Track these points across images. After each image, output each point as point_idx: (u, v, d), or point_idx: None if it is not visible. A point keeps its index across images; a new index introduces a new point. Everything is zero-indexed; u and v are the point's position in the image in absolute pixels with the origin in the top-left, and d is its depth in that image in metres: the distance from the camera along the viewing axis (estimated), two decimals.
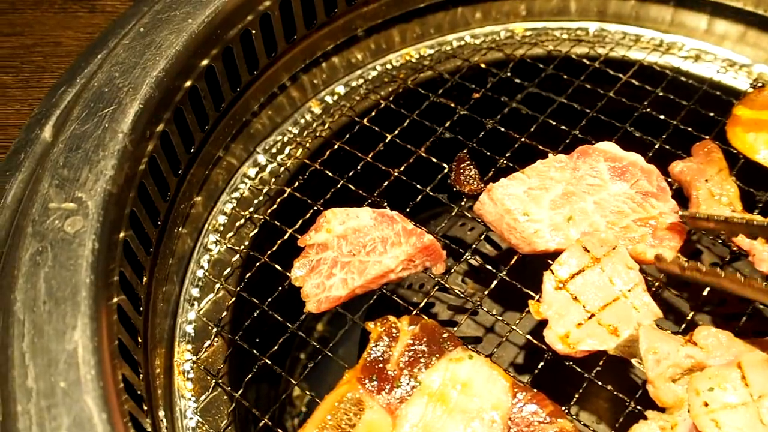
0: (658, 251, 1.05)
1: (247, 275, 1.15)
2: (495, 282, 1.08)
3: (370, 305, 1.10)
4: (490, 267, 1.11)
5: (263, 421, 0.99)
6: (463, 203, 1.19)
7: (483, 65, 1.44)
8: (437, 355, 0.97)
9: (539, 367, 0.99)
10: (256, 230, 1.22)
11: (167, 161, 1.10)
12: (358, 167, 1.24)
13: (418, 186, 1.20)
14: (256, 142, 1.34)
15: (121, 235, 0.96)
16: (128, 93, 1.01)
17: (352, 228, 1.10)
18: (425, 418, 0.91)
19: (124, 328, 0.92)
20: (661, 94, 1.31)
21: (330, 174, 1.24)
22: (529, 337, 1.03)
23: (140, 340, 0.98)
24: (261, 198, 1.26)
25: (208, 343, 1.09)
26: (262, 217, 1.23)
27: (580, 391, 0.96)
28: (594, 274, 1.02)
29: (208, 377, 1.06)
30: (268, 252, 1.14)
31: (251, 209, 1.25)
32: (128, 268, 0.97)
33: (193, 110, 1.15)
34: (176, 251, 1.15)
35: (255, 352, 1.04)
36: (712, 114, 1.27)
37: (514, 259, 1.10)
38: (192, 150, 1.17)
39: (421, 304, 1.07)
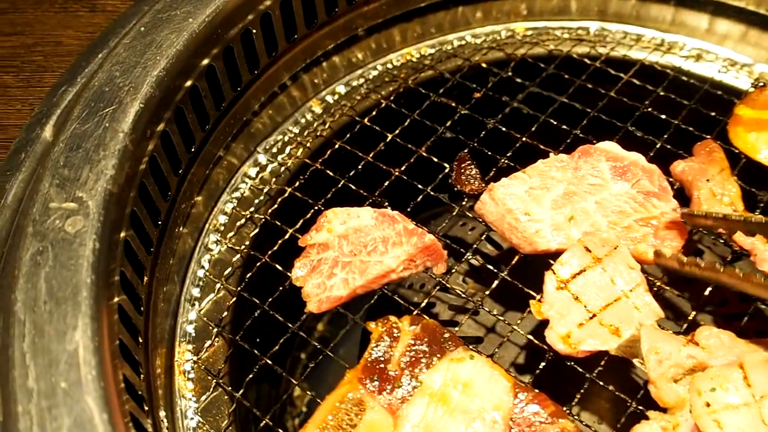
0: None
1: (248, 275, 1.15)
2: (496, 282, 1.08)
3: (371, 305, 1.10)
4: (491, 267, 1.11)
5: (264, 421, 0.99)
6: (464, 203, 1.19)
7: (484, 65, 1.44)
8: (438, 356, 0.96)
9: (540, 367, 0.98)
10: (257, 230, 1.22)
11: (168, 161, 1.10)
12: (359, 167, 1.24)
13: (419, 186, 1.20)
14: (257, 142, 1.34)
15: (122, 234, 0.96)
16: (129, 92, 1.01)
17: (353, 228, 1.10)
18: (426, 419, 0.91)
19: (124, 328, 0.92)
20: (662, 93, 1.31)
21: (331, 173, 1.24)
22: (531, 337, 1.02)
23: (141, 340, 0.98)
24: (262, 198, 1.26)
25: (208, 343, 1.09)
26: (262, 216, 1.23)
27: (582, 391, 0.96)
28: (595, 274, 1.02)
29: (209, 377, 1.06)
30: (269, 252, 1.14)
31: (252, 209, 1.24)
32: (129, 268, 0.97)
33: (193, 110, 1.15)
34: (177, 251, 1.15)
35: (256, 352, 1.04)
36: (713, 114, 1.27)
37: (515, 259, 1.10)
38: (192, 149, 1.17)
39: (422, 304, 1.07)
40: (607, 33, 1.50)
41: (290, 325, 1.05)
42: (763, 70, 1.40)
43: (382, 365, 0.96)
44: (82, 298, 0.81)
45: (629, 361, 0.98)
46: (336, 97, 1.42)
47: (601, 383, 0.97)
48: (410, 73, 1.45)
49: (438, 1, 1.47)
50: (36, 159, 1.09)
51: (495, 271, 1.10)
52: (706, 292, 1.04)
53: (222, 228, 1.22)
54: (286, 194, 1.24)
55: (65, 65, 1.53)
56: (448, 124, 1.30)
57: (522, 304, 1.03)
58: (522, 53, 1.45)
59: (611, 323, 0.97)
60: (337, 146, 1.29)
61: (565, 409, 0.92)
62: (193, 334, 1.10)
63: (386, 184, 1.21)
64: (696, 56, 1.44)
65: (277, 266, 1.11)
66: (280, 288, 1.09)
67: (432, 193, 1.19)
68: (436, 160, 1.24)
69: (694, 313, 1.04)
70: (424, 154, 1.25)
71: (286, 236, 1.15)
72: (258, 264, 1.14)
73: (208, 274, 1.17)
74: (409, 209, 1.15)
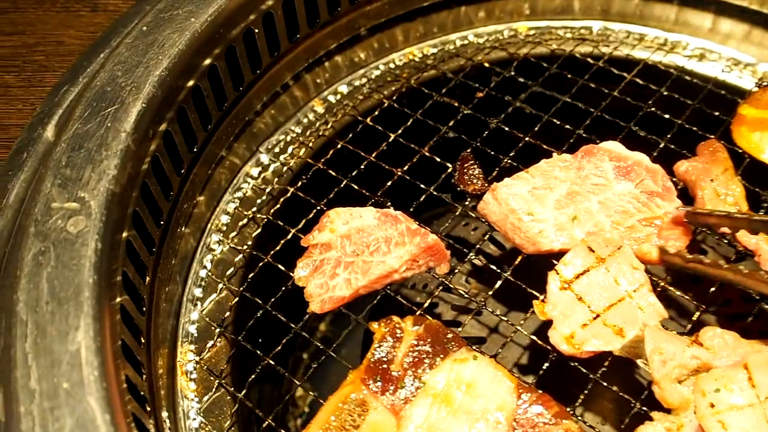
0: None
1: (250, 275, 1.14)
2: (499, 282, 1.08)
3: (374, 305, 1.09)
4: (494, 267, 1.11)
5: (267, 422, 0.99)
6: (466, 203, 1.19)
7: (486, 64, 1.44)
8: (441, 356, 0.96)
9: (544, 367, 0.98)
10: (259, 230, 1.22)
11: (170, 161, 1.09)
12: (362, 167, 1.24)
13: (422, 186, 1.19)
14: (259, 142, 1.33)
15: (124, 234, 0.95)
16: (131, 92, 1.01)
17: (355, 228, 1.09)
18: (430, 419, 0.91)
19: (127, 329, 0.92)
20: (665, 93, 1.31)
21: (333, 173, 1.23)
22: (534, 337, 1.02)
23: (143, 341, 0.98)
24: (264, 197, 1.26)
25: (211, 343, 1.09)
26: (265, 216, 1.22)
27: (585, 392, 0.96)
28: (599, 275, 1.01)
29: (211, 378, 1.05)
30: (271, 252, 1.14)
31: (254, 209, 1.24)
32: (131, 268, 0.97)
33: (196, 109, 1.14)
34: (179, 251, 1.15)
35: (258, 352, 1.04)
36: (717, 113, 1.26)
37: (518, 259, 1.10)
38: (195, 149, 1.17)
39: (425, 305, 1.07)
40: (610, 32, 1.49)
41: (293, 325, 1.05)
42: (766, 69, 1.39)
43: (385, 366, 0.96)
44: (84, 299, 0.81)
45: (633, 361, 0.98)
46: (338, 96, 1.42)
47: (605, 384, 0.96)
48: (413, 73, 1.44)
49: (440, 1, 1.47)
50: (38, 159, 1.09)
51: (498, 271, 1.09)
52: (710, 292, 1.03)
53: (224, 228, 1.22)
54: (289, 194, 1.24)
55: (67, 65, 1.53)
56: (451, 123, 1.30)
57: (525, 304, 1.03)
58: (525, 53, 1.45)
59: (615, 324, 0.97)
60: (339, 146, 1.29)
61: (568, 409, 0.92)
62: (196, 335, 1.10)
63: (389, 184, 1.21)
64: (699, 56, 1.43)
65: (280, 266, 1.11)
66: (283, 288, 1.08)
67: (435, 193, 1.19)
68: (438, 159, 1.24)
69: (698, 313, 1.04)
70: (427, 153, 1.25)
71: (289, 236, 1.15)
72: (260, 264, 1.14)
73: (210, 274, 1.17)
74: (411, 209, 1.15)
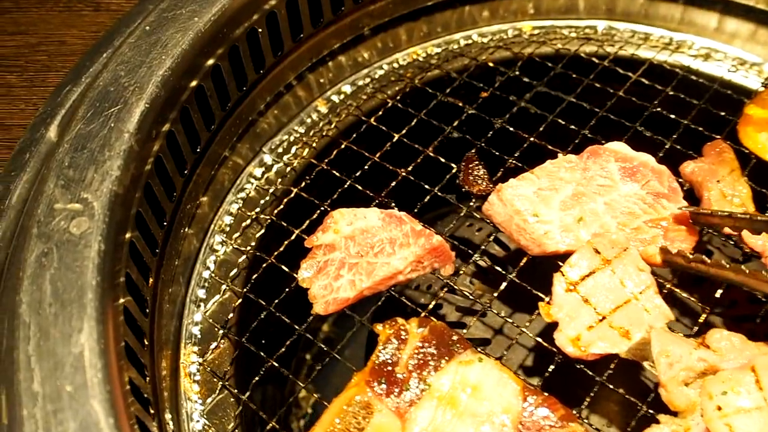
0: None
1: (254, 276, 1.14)
2: (504, 284, 1.07)
3: (378, 307, 1.09)
4: (499, 268, 1.10)
5: (270, 424, 0.98)
6: (471, 204, 1.18)
7: (491, 64, 1.43)
8: (446, 358, 0.95)
9: (550, 370, 0.97)
10: (263, 231, 1.21)
11: (173, 161, 1.09)
12: (366, 167, 1.23)
13: (426, 186, 1.19)
14: (263, 142, 1.33)
15: (127, 236, 0.95)
16: (134, 92, 1.01)
17: (359, 229, 1.09)
18: (435, 422, 0.90)
19: (130, 330, 0.91)
20: (671, 93, 1.30)
21: (337, 174, 1.23)
22: (539, 339, 1.01)
23: (146, 343, 0.97)
24: (267, 198, 1.25)
25: (214, 344, 1.08)
26: (268, 217, 1.22)
27: (591, 394, 0.95)
28: (605, 276, 1.01)
29: (215, 379, 1.05)
30: (275, 253, 1.13)
31: (257, 209, 1.24)
32: (134, 270, 0.96)
33: (199, 109, 1.14)
34: (182, 252, 1.14)
35: (262, 354, 1.03)
36: (723, 113, 1.25)
37: (523, 261, 1.09)
38: (198, 150, 1.16)
39: (430, 306, 1.06)
40: (615, 32, 1.49)
41: (297, 327, 1.05)
42: None
43: (389, 368, 0.95)
44: (88, 301, 0.80)
45: (639, 364, 0.97)
46: (342, 96, 1.41)
47: (611, 386, 0.96)
48: (417, 73, 1.44)
49: (444, 0, 1.46)
50: (40, 159, 1.08)
51: (503, 272, 1.09)
52: (717, 294, 1.03)
53: (227, 229, 1.22)
54: (292, 195, 1.23)
55: (69, 65, 1.53)
56: (455, 123, 1.29)
57: (530, 306, 1.02)
58: (529, 52, 1.44)
59: (621, 326, 0.96)
60: (343, 146, 1.28)
61: (574, 412, 0.91)
62: (199, 336, 1.10)
63: (393, 184, 1.20)
64: (705, 55, 1.42)
65: (283, 267, 1.10)
66: (286, 289, 1.08)
67: (439, 193, 1.18)
68: (443, 160, 1.23)
69: (704, 315, 1.03)
70: (431, 154, 1.24)
71: (292, 237, 1.14)
72: (264, 265, 1.13)
73: (213, 275, 1.16)
74: (416, 210, 1.14)
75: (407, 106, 1.34)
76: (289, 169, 1.29)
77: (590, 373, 0.96)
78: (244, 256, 1.18)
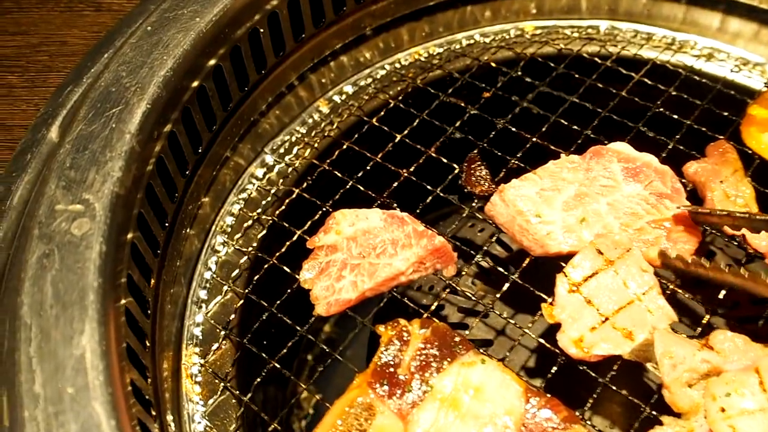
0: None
1: (255, 277, 1.14)
2: (507, 284, 1.07)
3: (380, 308, 1.09)
4: (501, 269, 1.10)
5: (272, 426, 0.98)
6: (473, 204, 1.18)
7: (493, 64, 1.43)
8: (449, 360, 0.95)
9: (552, 371, 0.97)
10: (264, 231, 1.21)
11: (175, 162, 1.09)
12: (367, 167, 1.23)
13: (428, 187, 1.19)
14: (264, 142, 1.33)
15: (129, 236, 0.95)
16: (135, 93, 1.00)
17: (361, 229, 1.08)
18: (437, 424, 0.90)
19: (131, 332, 0.91)
20: (674, 93, 1.30)
21: (339, 174, 1.22)
22: (542, 340, 1.01)
23: (148, 344, 0.97)
24: (269, 199, 1.25)
25: (216, 346, 1.08)
26: (270, 218, 1.22)
27: (594, 396, 0.95)
28: (608, 277, 1.00)
29: (217, 381, 1.05)
30: (277, 254, 1.13)
31: (259, 210, 1.23)
32: (136, 271, 0.96)
33: (200, 110, 1.14)
34: (184, 253, 1.14)
35: (263, 355, 1.03)
36: (726, 114, 1.25)
37: (526, 261, 1.09)
38: (199, 150, 1.16)
39: (432, 307, 1.06)
40: (617, 32, 1.48)
41: (299, 328, 1.04)
42: None
43: (391, 369, 0.95)
44: (89, 302, 0.80)
45: (642, 365, 0.97)
46: (343, 96, 1.41)
47: (614, 388, 0.95)
48: (418, 73, 1.44)
49: (446, 0, 1.46)
50: (42, 160, 1.08)
51: (505, 273, 1.08)
52: (720, 296, 1.03)
53: (229, 229, 1.21)
54: (294, 195, 1.23)
55: (71, 65, 1.53)
56: (458, 124, 1.29)
57: (533, 307, 1.02)
58: (531, 52, 1.44)
59: (624, 327, 0.96)
60: (344, 147, 1.28)
61: (577, 413, 0.91)
62: (201, 337, 1.09)
63: (395, 185, 1.20)
64: (708, 55, 1.42)
65: (285, 268, 1.10)
66: (288, 290, 1.07)
67: (441, 194, 1.18)
68: (445, 160, 1.23)
69: (707, 316, 1.03)
70: (433, 154, 1.24)
71: (294, 238, 1.14)
72: (265, 266, 1.13)
73: (215, 276, 1.16)
74: (418, 210, 1.14)
75: (409, 107, 1.33)
76: (290, 169, 1.29)
77: (593, 374, 0.96)
78: (245, 257, 1.18)
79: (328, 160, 1.26)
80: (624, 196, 1.10)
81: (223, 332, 1.09)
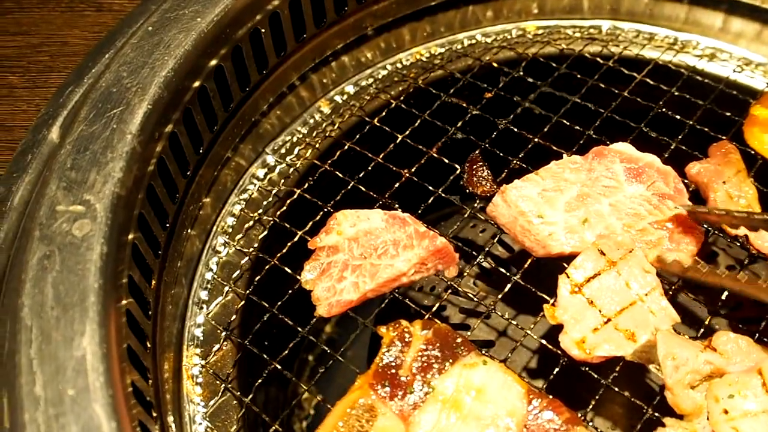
0: (674, 255, 1.03)
1: (257, 278, 1.13)
2: (509, 285, 1.07)
3: (381, 309, 1.08)
4: (503, 270, 1.10)
5: (273, 427, 0.97)
6: (475, 205, 1.18)
7: (495, 64, 1.42)
8: (451, 361, 0.95)
9: (554, 372, 0.97)
10: (265, 232, 1.21)
11: (176, 162, 1.08)
12: (369, 168, 1.23)
13: (430, 187, 1.18)
14: (265, 143, 1.32)
15: (130, 237, 0.94)
16: (137, 93, 1.00)
17: (363, 230, 1.08)
18: (439, 425, 0.90)
19: (132, 333, 0.91)
20: (676, 93, 1.29)
21: (340, 175, 1.22)
22: (544, 341, 1.01)
23: (149, 345, 0.97)
24: (270, 199, 1.25)
25: (217, 347, 1.08)
26: (271, 218, 1.21)
27: (597, 397, 0.95)
28: (610, 278, 1.00)
29: (218, 382, 1.04)
30: (278, 254, 1.13)
31: (260, 211, 1.23)
32: (137, 272, 0.96)
33: (201, 110, 1.13)
34: (185, 254, 1.14)
35: (264, 356, 1.03)
36: (728, 114, 1.25)
37: (528, 262, 1.09)
38: (201, 151, 1.16)
39: (434, 308, 1.05)
40: (619, 32, 1.48)
41: (300, 329, 1.04)
42: None
43: (393, 371, 0.94)
44: (90, 304, 0.80)
45: (645, 366, 0.97)
46: (345, 97, 1.41)
47: (616, 389, 0.95)
48: (420, 73, 1.43)
49: (448, 0, 1.46)
50: (42, 161, 1.08)
51: (507, 274, 1.08)
52: (723, 297, 1.02)
53: (230, 230, 1.21)
54: (295, 196, 1.23)
55: (72, 65, 1.53)
56: (459, 124, 1.29)
57: (535, 308, 1.02)
58: (533, 52, 1.43)
59: (626, 328, 0.96)
60: (346, 147, 1.28)
61: (579, 415, 0.90)
62: (201, 338, 1.09)
63: (396, 185, 1.19)
64: (710, 55, 1.42)
65: (286, 269, 1.10)
66: (289, 291, 1.07)
67: (443, 194, 1.18)
68: (447, 161, 1.22)
69: (709, 317, 1.03)
70: (435, 155, 1.24)
71: (295, 238, 1.14)
72: (266, 267, 1.13)
73: (216, 276, 1.16)
74: (419, 211, 1.14)
75: (411, 107, 1.33)
76: (291, 170, 1.29)
77: (595, 375, 0.95)
78: (246, 258, 1.17)
79: (329, 161, 1.25)
80: (626, 196, 1.10)
81: (224, 333, 1.09)
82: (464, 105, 1.32)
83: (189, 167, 1.13)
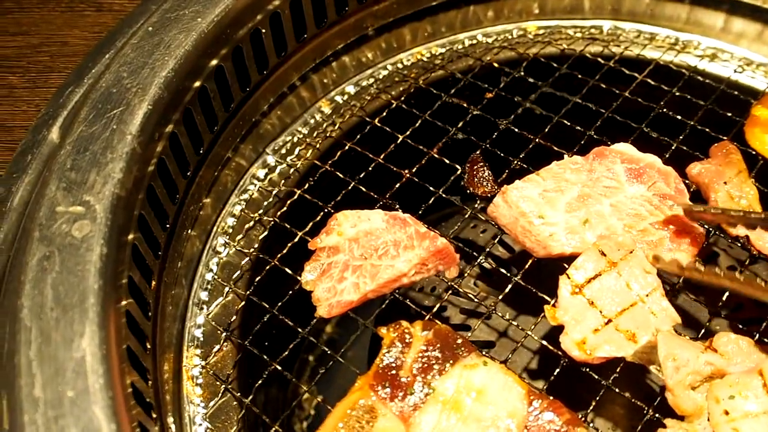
0: (675, 256, 1.03)
1: (257, 279, 1.13)
2: (509, 286, 1.06)
3: (382, 309, 1.08)
4: (503, 270, 1.09)
5: (274, 428, 0.97)
6: (476, 205, 1.18)
7: (496, 64, 1.42)
8: (451, 362, 0.95)
9: (555, 373, 0.97)
10: (266, 233, 1.21)
11: (176, 163, 1.08)
12: (369, 168, 1.22)
13: (431, 188, 1.18)
14: (266, 143, 1.32)
15: (130, 238, 0.94)
16: (137, 94, 1.00)
17: (363, 231, 1.08)
18: (439, 427, 0.89)
19: (132, 334, 0.91)
20: (677, 93, 1.29)
21: (341, 175, 1.22)
22: (545, 342, 1.01)
23: (149, 346, 0.97)
24: (270, 200, 1.25)
25: (217, 347, 1.08)
26: (271, 219, 1.21)
27: (597, 398, 0.95)
28: (611, 279, 1.00)
29: (218, 382, 1.04)
30: (278, 255, 1.12)
31: (260, 211, 1.23)
32: (137, 273, 0.96)
33: (202, 111, 1.13)
34: (185, 254, 1.14)
35: (265, 357, 1.03)
36: (729, 114, 1.25)
37: (528, 263, 1.08)
38: (201, 151, 1.16)
39: (434, 309, 1.05)
40: (620, 32, 1.48)
41: (300, 330, 1.04)
42: None
43: (393, 372, 0.94)
44: (90, 305, 0.80)
45: (645, 367, 0.96)
46: (345, 97, 1.40)
47: (617, 390, 0.95)
48: (421, 73, 1.43)
49: (449, 0, 1.45)
50: (42, 161, 1.08)
51: (508, 275, 1.08)
52: (724, 297, 1.02)
53: (230, 230, 1.21)
54: (296, 196, 1.22)
55: (72, 65, 1.52)
56: (460, 125, 1.28)
57: (535, 308, 1.02)
58: (534, 53, 1.43)
59: (627, 329, 0.96)
60: (346, 147, 1.28)
61: (580, 416, 0.90)
62: (202, 339, 1.09)
63: (397, 186, 1.19)
64: (711, 56, 1.42)
65: (287, 270, 1.10)
66: (290, 292, 1.07)
67: (444, 195, 1.18)
68: (447, 161, 1.22)
69: (710, 318, 1.02)
70: (436, 155, 1.24)
71: (296, 239, 1.14)
72: (267, 267, 1.13)
73: (216, 277, 1.15)
74: (420, 212, 1.14)
75: (411, 107, 1.33)
76: (292, 170, 1.29)
77: (596, 376, 0.95)
78: (247, 258, 1.17)
79: (329, 161, 1.25)
80: (627, 197, 1.10)
81: (224, 334, 1.09)
82: (465, 105, 1.32)
83: (189, 168, 1.13)
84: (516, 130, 1.26)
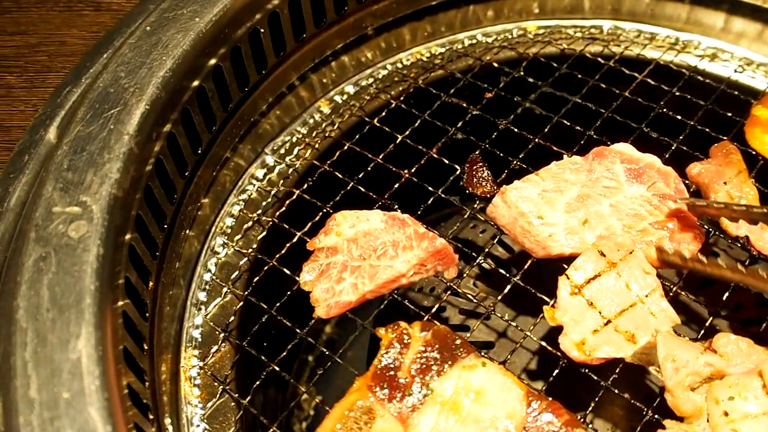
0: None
1: (255, 279, 1.13)
2: (508, 287, 1.06)
3: (380, 310, 1.08)
4: (502, 271, 1.09)
5: (272, 429, 0.97)
6: (475, 205, 1.17)
7: (495, 64, 1.42)
8: (449, 363, 0.94)
9: (554, 374, 0.96)
10: (264, 233, 1.20)
11: (174, 163, 1.08)
12: (368, 168, 1.22)
13: (430, 188, 1.18)
14: (264, 143, 1.32)
15: (127, 238, 0.94)
16: (134, 93, 1.00)
17: (362, 231, 1.08)
18: (437, 428, 0.89)
19: (129, 335, 0.90)
20: (677, 93, 1.29)
21: (339, 175, 1.22)
22: (544, 343, 1.00)
23: (146, 347, 0.96)
24: (269, 200, 1.24)
25: (215, 348, 1.07)
26: (270, 219, 1.21)
27: (596, 399, 0.94)
28: (610, 279, 0.99)
29: (216, 383, 1.04)
30: (277, 255, 1.12)
31: (259, 211, 1.23)
32: (134, 273, 0.95)
33: (200, 111, 1.13)
34: (183, 254, 1.13)
35: (263, 358, 1.02)
36: (729, 114, 1.24)
37: (527, 263, 1.08)
38: (199, 151, 1.15)
39: (433, 309, 1.05)
40: (620, 32, 1.47)
41: (298, 330, 1.04)
42: None
43: (392, 372, 0.94)
44: (86, 306, 0.79)
45: (645, 368, 0.96)
46: (345, 97, 1.40)
47: (616, 391, 0.95)
48: (420, 73, 1.43)
49: (449, 0, 1.45)
50: (39, 161, 1.07)
51: (507, 275, 1.08)
52: (724, 297, 1.02)
53: (229, 231, 1.21)
54: (294, 196, 1.22)
55: (69, 65, 1.52)
56: (459, 124, 1.28)
57: (534, 309, 1.01)
58: (534, 52, 1.43)
59: (627, 329, 0.95)
60: (345, 147, 1.27)
61: (579, 417, 0.90)
62: (200, 339, 1.09)
63: (396, 186, 1.19)
64: (711, 55, 1.41)
65: (285, 270, 1.09)
66: (288, 292, 1.07)
67: (443, 195, 1.17)
68: (446, 161, 1.22)
69: (710, 318, 1.02)
70: (435, 155, 1.23)
71: (294, 239, 1.13)
72: (265, 268, 1.12)
73: (214, 277, 1.15)
74: (419, 212, 1.13)
75: (411, 107, 1.33)
76: (291, 170, 1.28)
77: (595, 377, 0.95)
78: (245, 259, 1.17)
79: (328, 161, 1.25)
80: (627, 197, 1.10)
81: (222, 334, 1.08)
82: (464, 105, 1.32)
83: (187, 168, 1.12)
84: (515, 130, 1.25)
